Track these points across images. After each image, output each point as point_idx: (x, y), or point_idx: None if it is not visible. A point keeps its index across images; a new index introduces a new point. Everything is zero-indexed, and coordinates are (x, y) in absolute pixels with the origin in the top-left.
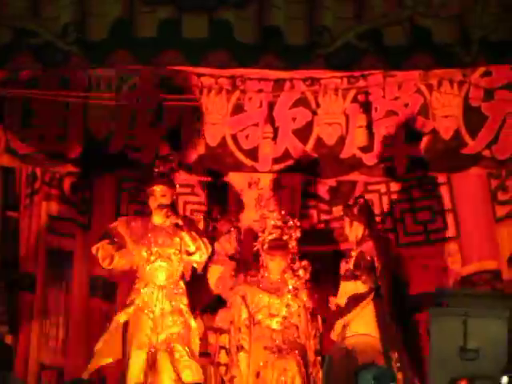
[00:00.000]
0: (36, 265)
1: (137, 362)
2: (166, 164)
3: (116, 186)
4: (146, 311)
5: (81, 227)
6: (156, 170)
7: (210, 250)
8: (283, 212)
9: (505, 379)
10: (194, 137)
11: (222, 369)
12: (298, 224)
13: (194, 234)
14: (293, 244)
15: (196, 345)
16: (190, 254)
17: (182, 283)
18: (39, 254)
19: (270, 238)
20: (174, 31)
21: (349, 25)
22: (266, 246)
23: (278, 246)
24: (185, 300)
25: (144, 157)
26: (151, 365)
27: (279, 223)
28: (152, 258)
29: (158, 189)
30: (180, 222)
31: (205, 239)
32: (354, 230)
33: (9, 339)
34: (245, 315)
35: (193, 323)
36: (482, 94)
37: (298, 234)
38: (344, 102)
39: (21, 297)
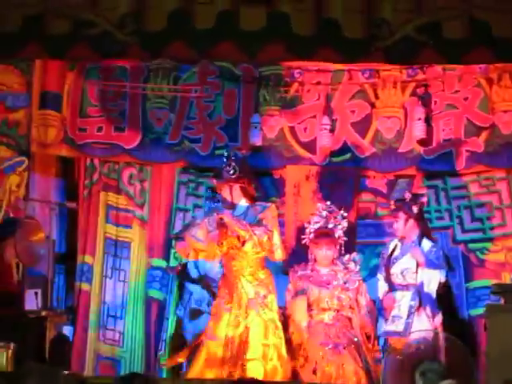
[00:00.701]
0: (94, 255)
1: (206, 354)
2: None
3: (173, 177)
4: (225, 303)
5: (138, 218)
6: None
7: (265, 238)
8: (329, 202)
9: None
10: (251, 128)
11: None
12: (345, 215)
13: (244, 223)
14: (340, 234)
15: (277, 337)
16: (243, 244)
17: (260, 274)
18: (97, 245)
19: (315, 227)
20: (232, 23)
21: (408, 17)
22: (311, 236)
23: (323, 233)
24: (262, 291)
25: (202, 147)
26: (224, 357)
27: (324, 213)
28: (224, 248)
29: (215, 183)
30: (224, 217)
31: (260, 228)
32: (409, 227)
33: (67, 330)
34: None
35: (265, 316)
36: None
37: (344, 224)
38: (403, 95)
39: (79, 288)
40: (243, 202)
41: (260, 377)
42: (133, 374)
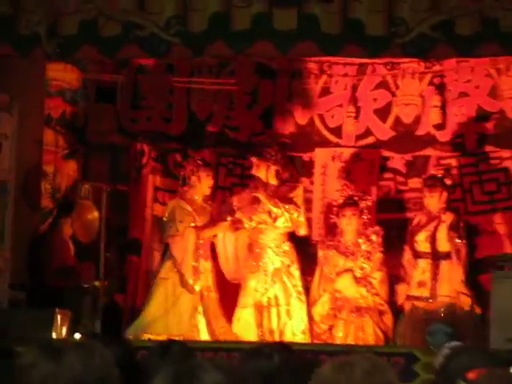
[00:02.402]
0: (142, 231)
1: (242, 320)
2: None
3: (215, 160)
4: (252, 271)
5: None
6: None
7: (295, 214)
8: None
9: None
10: (285, 116)
11: None
12: (369, 197)
13: (277, 201)
14: (363, 209)
15: (300, 301)
16: (275, 219)
17: (284, 245)
18: (146, 222)
19: (341, 200)
20: (266, 24)
21: (423, 17)
22: (337, 208)
23: (348, 203)
24: (287, 261)
25: (241, 135)
26: (260, 320)
27: (349, 189)
28: (253, 223)
29: (254, 160)
30: (259, 195)
31: (290, 205)
32: (442, 199)
33: (119, 297)
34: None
35: (289, 283)
36: None
37: (368, 202)
38: (421, 85)
39: (130, 259)
40: (274, 182)
41: (288, 337)
42: (171, 340)
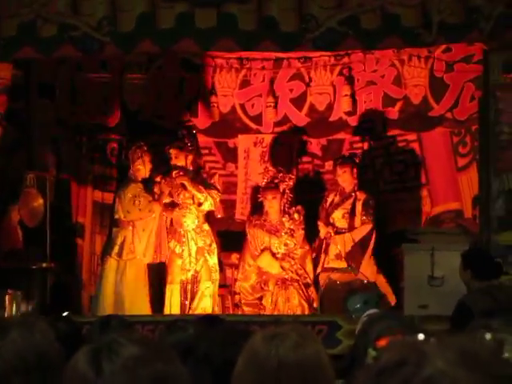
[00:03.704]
0: (84, 215)
1: (168, 296)
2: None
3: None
4: (176, 252)
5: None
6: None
7: (217, 198)
8: (278, 167)
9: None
10: (209, 106)
11: (237, 297)
12: (292, 176)
13: (201, 187)
14: (285, 190)
15: (214, 279)
16: (200, 204)
17: (205, 226)
18: (87, 207)
19: (264, 183)
20: (189, 22)
21: (331, 13)
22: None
23: (269, 187)
24: (208, 240)
25: (168, 123)
26: (185, 296)
27: (271, 172)
28: (176, 208)
29: (173, 152)
30: (185, 182)
31: (213, 191)
32: (353, 175)
33: (66, 277)
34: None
35: (211, 260)
36: (444, 67)
37: (290, 183)
38: (332, 76)
39: (74, 242)
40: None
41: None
42: (110, 315)
